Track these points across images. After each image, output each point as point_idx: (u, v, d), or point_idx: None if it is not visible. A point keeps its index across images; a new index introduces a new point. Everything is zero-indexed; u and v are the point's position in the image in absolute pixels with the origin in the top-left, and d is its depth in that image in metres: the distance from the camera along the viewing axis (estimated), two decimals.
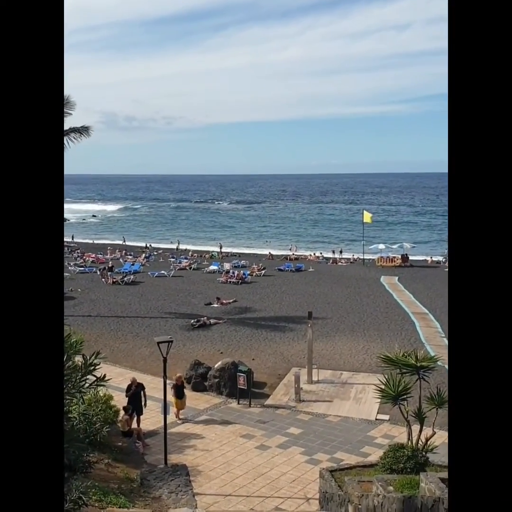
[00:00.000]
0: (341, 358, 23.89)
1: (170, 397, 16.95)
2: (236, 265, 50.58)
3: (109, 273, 44.17)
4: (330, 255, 59.57)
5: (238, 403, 19.47)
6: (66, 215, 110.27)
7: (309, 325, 22.01)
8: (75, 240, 73.11)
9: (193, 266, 51.17)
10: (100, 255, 57.22)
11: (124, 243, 70.19)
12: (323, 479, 12.37)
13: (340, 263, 54.05)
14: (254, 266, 48.84)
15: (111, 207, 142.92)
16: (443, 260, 51.97)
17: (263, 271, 46.50)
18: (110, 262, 51.35)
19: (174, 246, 66.47)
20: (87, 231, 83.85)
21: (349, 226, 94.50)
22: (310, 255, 59.66)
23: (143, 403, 16.90)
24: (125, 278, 42.87)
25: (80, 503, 5.75)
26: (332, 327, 28.85)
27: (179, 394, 17.80)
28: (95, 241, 73.32)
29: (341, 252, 60.98)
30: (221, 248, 63.11)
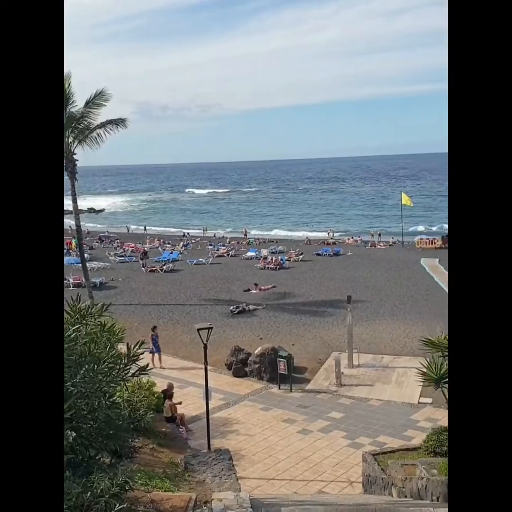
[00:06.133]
0: (381, 342, 23.69)
1: None
2: (273, 250, 50.55)
3: (145, 261, 44.66)
4: (368, 238, 59.00)
5: (279, 388, 19.55)
6: (102, 205, 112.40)
7: (348, 309, 21.89)
8: (111, 230, 74.25)
9: (230, 253, 51.43)
10: (139, 245, 57.99)
11: (144, 232, 70.73)
12: (366, 462, 12.34)
13: (379, 246, 53.41)
14: (291, 251, 48.71)
15: (141, 197, 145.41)
16: None
17: (301, 256, 46.31)
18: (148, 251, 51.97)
19: (211, 234, 66.90)
20: (122, 221, 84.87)
21: (386, 208, 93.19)
22: (348, 239, 59.25)
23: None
24: (164, 267, 43.39)
25: (126, 488, 5.84)
26: (372, 310, 28.60)
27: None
28: (131, 231, 74.23)
29: (379, 235, 60.24)
30: (246, 234, 63.40)
